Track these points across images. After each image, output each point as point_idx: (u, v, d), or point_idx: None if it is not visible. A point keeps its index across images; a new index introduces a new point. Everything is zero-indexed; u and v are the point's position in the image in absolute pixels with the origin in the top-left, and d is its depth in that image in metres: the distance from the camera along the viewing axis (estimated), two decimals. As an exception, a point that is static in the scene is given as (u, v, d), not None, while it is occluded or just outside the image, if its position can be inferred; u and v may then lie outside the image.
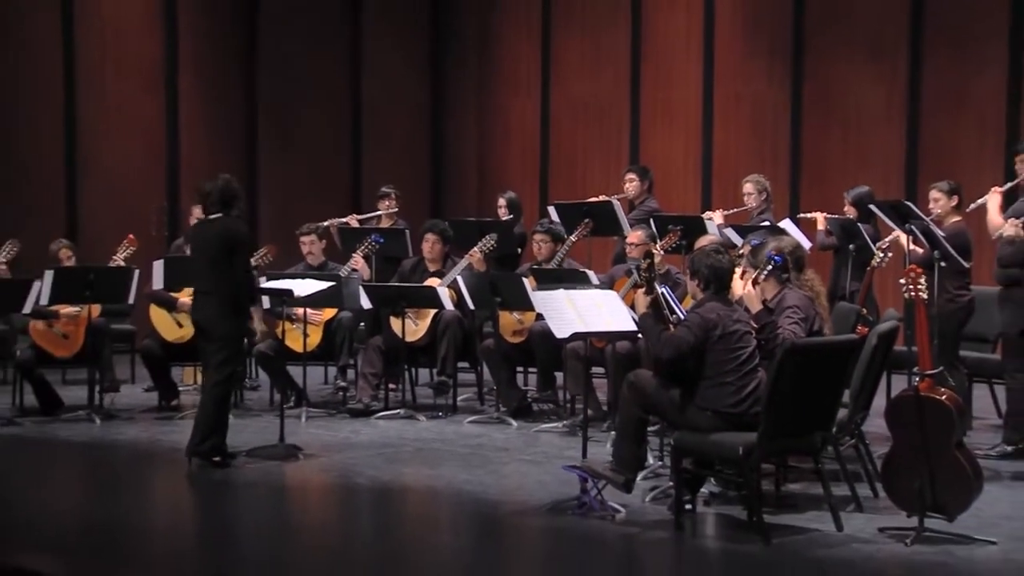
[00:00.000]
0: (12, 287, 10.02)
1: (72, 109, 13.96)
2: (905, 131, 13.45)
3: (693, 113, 14.70)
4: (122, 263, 10.55)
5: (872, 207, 9.92)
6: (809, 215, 10.89)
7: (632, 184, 11.77)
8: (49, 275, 9.99)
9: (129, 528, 7.41)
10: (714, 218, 10.79)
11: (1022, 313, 8.38)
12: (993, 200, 8.90)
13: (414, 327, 10.46)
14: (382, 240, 11.08)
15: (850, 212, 10.49)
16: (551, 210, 11.47)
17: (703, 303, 7.12)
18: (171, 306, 10.46)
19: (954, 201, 9.52)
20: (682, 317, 7.35)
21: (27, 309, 10.01)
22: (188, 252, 9.95)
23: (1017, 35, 12.83)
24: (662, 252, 9.84)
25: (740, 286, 7.48)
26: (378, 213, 12.49)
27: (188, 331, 9.89)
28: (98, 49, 14.07)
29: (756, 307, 7.35)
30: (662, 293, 7.35)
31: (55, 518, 7.68)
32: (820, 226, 10.67)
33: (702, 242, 8.85)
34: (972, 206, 9.31)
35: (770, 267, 7.55)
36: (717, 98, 14.56)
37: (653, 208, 11.47)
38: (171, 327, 10.46)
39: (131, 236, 10.82)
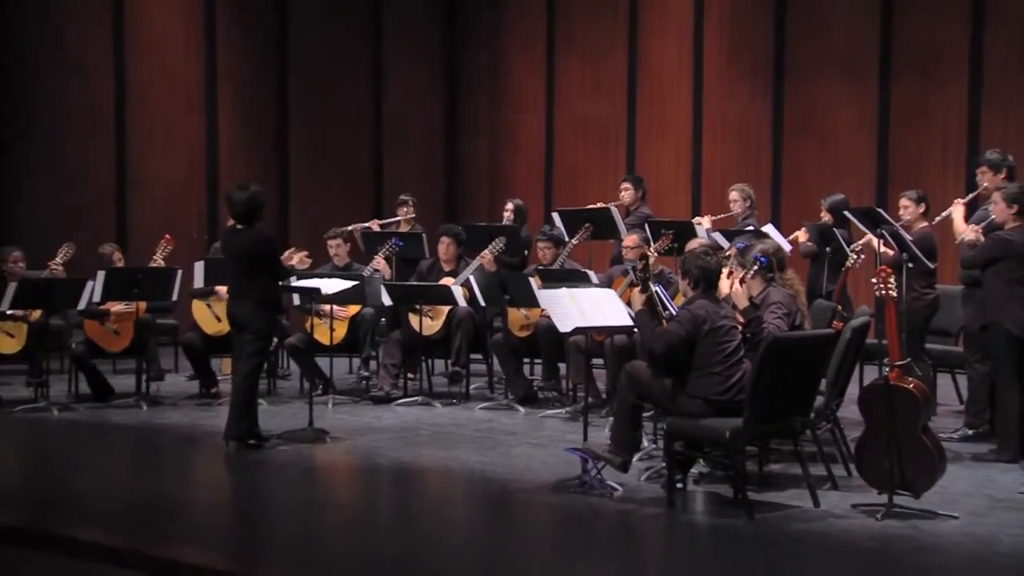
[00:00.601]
0: (68, 286, 10.01)
1: (122, 124, 13.97)
2: (876, 144, 13.42)
3: (684, 129, 14.67)
4: (161, 262, 10.54)
5: (847, 213, 9.89)
6: (791, 236, 10.64)
7: (627, 192, 11.73)
8: (101, 275, 10.00)
9: (172, 503, 7.42)
10: (703, 223, 10.74)
11: (982, 310, 8.35)
12: (957, 211, 8.88)
13: (430, 322, 10.44)
14: (401, 243, 11.06)
15: (826, 217, 10.46)
16: (555, 216, 11.45)
17: (693, 300, 7.10)
18: (210, 293, 10.43)
19: (921, 208, 9.50)
20: (674, 313, 7.33)
21: (81, 306, 10.03)
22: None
23: (976, 57, 12.81)
24: (656, 254, 9.82)
25: (727, 285, 7.47)
26: (397, 219, 12.46)
27: (226, 325, 9.84)
28: (145, 70, 14.09)
29: (743, 304, 7.34)
30: (656, 292, 7.34)
31: (106, 494, 7.69)
32: (802, 239, 10.54)
33: (693, 244, 8.82)
34: (938, 218, 9.28)
35: (756, 267, 7.54)
36: (705, 115, 14.54)
37: (646, 214, 11.43)
38: (211, 321, 10.44)
39: (168, 236, 10.80)
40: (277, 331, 9.74)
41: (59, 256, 10.42)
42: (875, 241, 9.16)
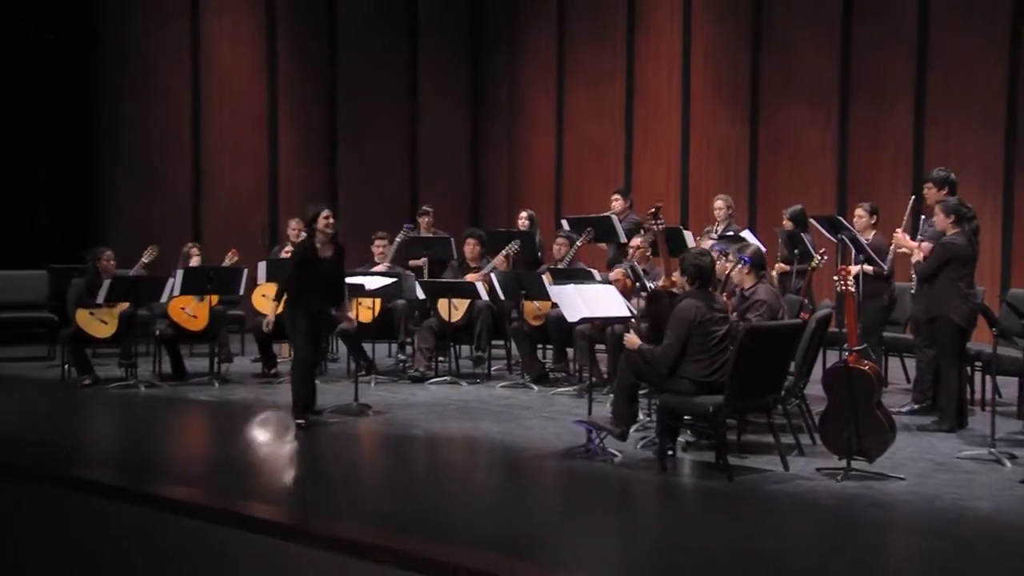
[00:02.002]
0: (152, 282, 10.10)
1: (196, 143, 14.03)
2: (836, 162, 13.38)
3: (674, 149, 14.64)
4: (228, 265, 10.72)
5: (812, 220, 9.85)
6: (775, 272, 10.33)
7: (617, 202, 11.66)
8: (179, 273, 10.08)
9: (240, 465, 7.46)
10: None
11: (931, 304, 8.32)
12: (902, 239, 8.77)
13: (454, 310, 10.40)
14: (411, 226, 11.22)
15: (788, 224, 10.38)
16: (563, 222, 11.44)
17: (685, 297, 7.08)
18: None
19: (873, 219, 9.49)
20: (649, 287, 7.42)
21: (163, 299, 10.11)
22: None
23: (920, 88, 12.77)
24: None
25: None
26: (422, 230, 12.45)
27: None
28: (216, 96, 14.14)
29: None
30: (643, 272, 7.34)
31: (185, 457, 7.74)
32: (785, 268, 10.30)
33: (705, 244, 8.78)
34: (890, 256, 9.23)
35: (741, 266, 7.54)
36: (692, 137, 14.51)
37: (636, 220, 11.40)
38: (273, 310, 10.41)
39: (235, 250, 10.98)
40: (325, 324, 9.65)
41: (144, 257, 10.48)
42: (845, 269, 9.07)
